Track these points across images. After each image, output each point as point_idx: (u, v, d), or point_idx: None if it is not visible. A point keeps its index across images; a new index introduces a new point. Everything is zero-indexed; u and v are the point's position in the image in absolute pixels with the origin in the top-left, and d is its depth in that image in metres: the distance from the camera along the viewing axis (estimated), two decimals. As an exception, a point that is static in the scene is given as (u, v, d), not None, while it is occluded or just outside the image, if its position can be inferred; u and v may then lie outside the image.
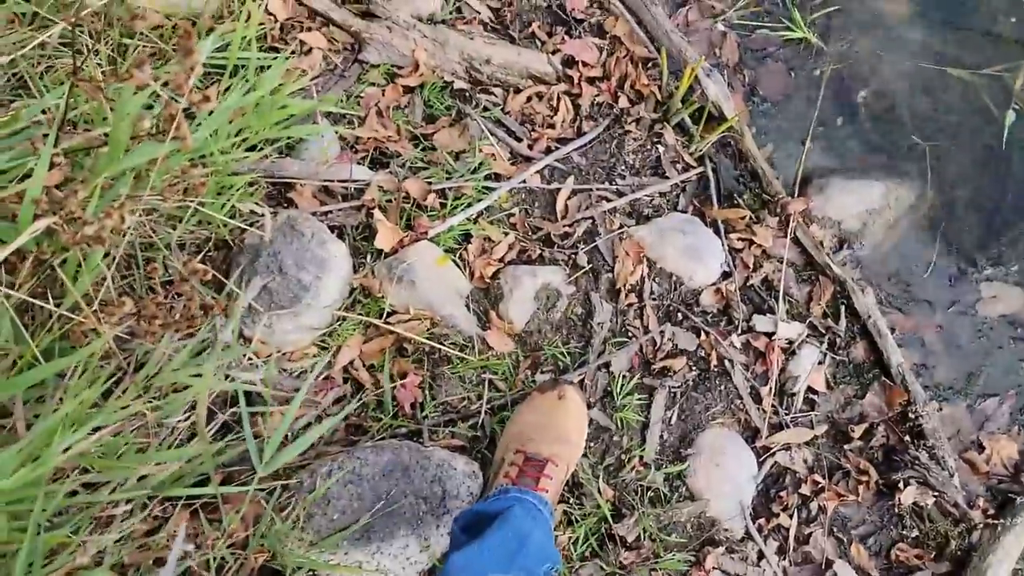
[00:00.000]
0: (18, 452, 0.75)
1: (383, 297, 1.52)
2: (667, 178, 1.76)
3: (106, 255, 1.15)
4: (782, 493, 1.58)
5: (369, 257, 1.57)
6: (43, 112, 1.17)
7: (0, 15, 1.08)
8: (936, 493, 1.59)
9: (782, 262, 1.72)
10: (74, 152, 1.17)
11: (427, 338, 1.51)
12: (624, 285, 1.63)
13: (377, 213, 1.57)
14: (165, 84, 1.38)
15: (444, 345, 1.52)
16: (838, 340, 1.70)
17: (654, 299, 1.65)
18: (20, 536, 0.82)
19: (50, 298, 1.08)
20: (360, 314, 1.51)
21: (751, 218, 1.74)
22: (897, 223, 1.83)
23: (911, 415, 1.63)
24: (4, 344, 1.03)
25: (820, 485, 1.59)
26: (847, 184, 1.79)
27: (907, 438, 1.63)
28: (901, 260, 1.82)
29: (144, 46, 1.48)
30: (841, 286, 1.72)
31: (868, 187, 1.79)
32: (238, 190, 1.43)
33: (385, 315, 1.51)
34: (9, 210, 1.07)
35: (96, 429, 1.02)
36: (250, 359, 1.42)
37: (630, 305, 1.63)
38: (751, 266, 1.71)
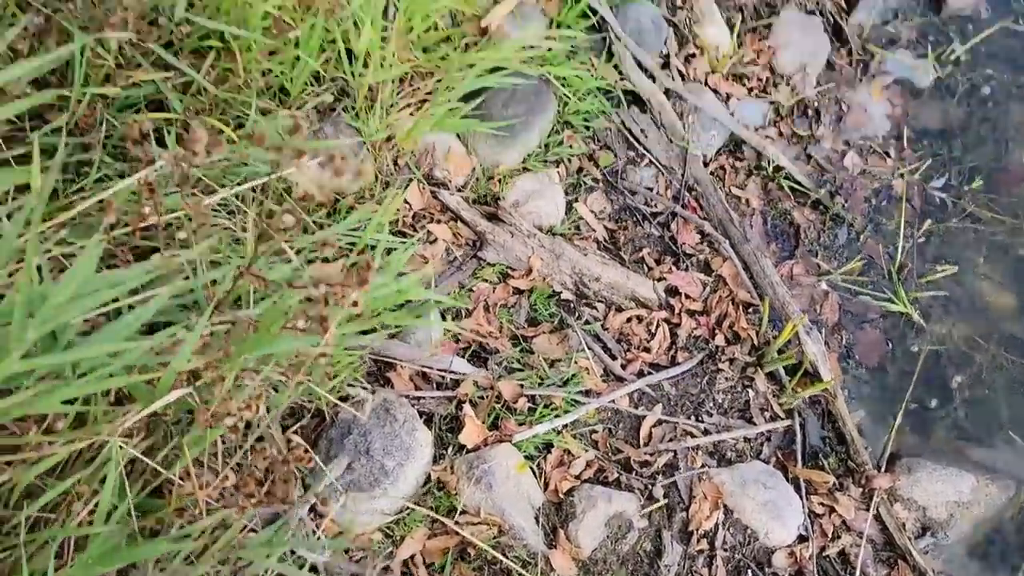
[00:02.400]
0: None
1: (457, 495, 1.51)
2: (754, 424, 1.76)
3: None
4: None
5: (450, 449, 1.57)
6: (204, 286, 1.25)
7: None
8: None
9: (862, 537, 1.67)
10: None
11: (492, 546, 1.49)
12: (697, 529, 1.60)
13: (467, 407, 1.60)
14: (299, 252, 1.47)
15: (508, 557, 1.49)
16: (911, 633, 1.61)
17: (726, 550, 1.60)
18: None
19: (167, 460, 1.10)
20: (430, 507, 1.50)
21: (834, 484, 1.71)
22: (986, 521, 1.76)
23: None
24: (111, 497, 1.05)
25: None
26: (937, 470, 1.75)
27: None
28: (987, 560, 1.74)
29: (290, 213, 1.59)
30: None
31: (959, 477, 1.75)
32: (346, 367, 1.48)
33: (456, 513, 1.50)
34: (150, 371, 1.12)
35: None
36: (317, 536, 1.41)
37: (700, 551, 1.59)
38: (829, 535, 1.66)
